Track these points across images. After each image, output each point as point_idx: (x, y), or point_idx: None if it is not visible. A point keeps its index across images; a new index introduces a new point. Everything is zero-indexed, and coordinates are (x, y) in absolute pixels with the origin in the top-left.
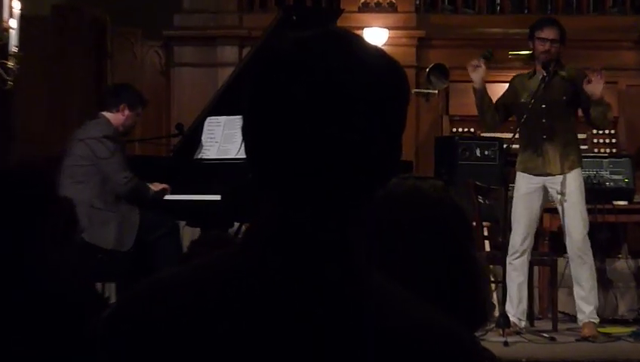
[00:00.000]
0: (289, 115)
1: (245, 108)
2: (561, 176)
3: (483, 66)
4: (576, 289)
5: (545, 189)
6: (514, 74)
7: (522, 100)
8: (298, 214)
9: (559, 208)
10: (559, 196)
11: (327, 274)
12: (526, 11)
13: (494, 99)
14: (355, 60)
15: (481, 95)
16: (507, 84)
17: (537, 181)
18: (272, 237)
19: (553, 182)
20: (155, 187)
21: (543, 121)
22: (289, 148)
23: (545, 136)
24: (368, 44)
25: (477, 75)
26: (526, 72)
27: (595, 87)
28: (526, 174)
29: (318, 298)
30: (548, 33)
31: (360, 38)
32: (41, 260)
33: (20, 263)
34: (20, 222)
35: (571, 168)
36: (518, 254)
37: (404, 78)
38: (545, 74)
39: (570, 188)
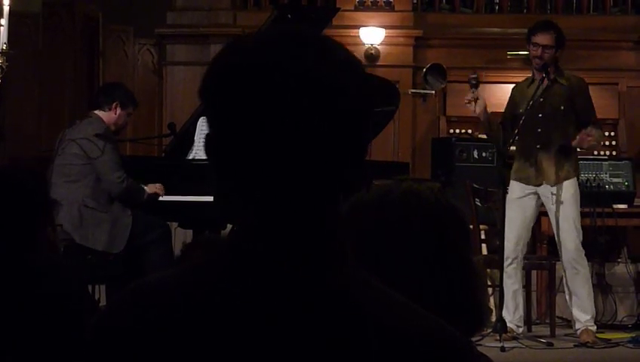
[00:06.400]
0: (252, 118)
1: (207, 116)
2: (555, 187)
3: (480, 97)
4: (573, 299)
5: (538, 196)
6: (512, 74)
7: (520, 110)
8: (274, 217)
9: (552, 218)
10: (553, 206)
11: (315, 275)
12: (525, 11)
13: (493, 100)
14: (319, 59)
15: (488, 124)
16: (505, 85)
17: (531, 189)
18: (252, 241)
19: (546, 192)
20: (150, 188)
21: (539, 130)
22: (254, 152)
23: (539, 146)
24: (329, 43)
25: (479, 108)
26: (524, 78)
27: (582, 143)
28: (520, 183)
29: (306, 298)
30: (541, 39)
31: (322, 37)
32: (38, 262)
33: (17, 265)
34: (16, 224)
35: (566, 178)
36: (509, 261)
37: (363, 72)
38: (543, 75)
39: (564, 198)
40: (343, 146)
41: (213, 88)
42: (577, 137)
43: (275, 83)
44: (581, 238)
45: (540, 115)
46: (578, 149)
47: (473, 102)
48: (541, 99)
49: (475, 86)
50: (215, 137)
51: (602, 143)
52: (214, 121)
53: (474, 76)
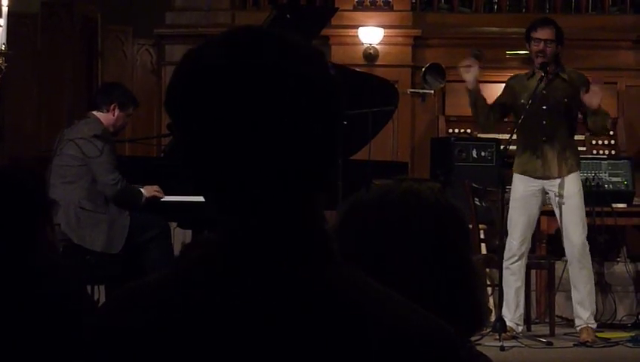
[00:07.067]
0: (246, 119)
1: (176, 119)
2: (560, 179)
3: (476, 66)
4: (574, 294)
5: (543, 192)
6: (511, 74)
7: (522, 101)
8: (269, 216)
9: (557, 211)
10: (558, 199)
11: (314, 275)
12: (524, 10)
13: (492, 100)
14: (283, 56)
15: (475, 96)
16: (504, 84)
17: (536, 184)
18: (250, 241)
19: (552, 185)
20: (148, 192)
21: (544, 122)
22: (244, 154)
23: (544, 138)
24: (291, 41)
25: (470, 76)
26: (524, 72)
27: (593, 98)
28: (524, 177)
29: (305, 298)
30: (542, 33)
31: (281, 35)
32: (38, 262)
33: (17, 265)
34: (16, 224)
35: (570, 171)
36: (515, 258)
37: (326, 66)
38: (543, 74)
39: (570, 192)
40: (329, 146)
41: (198, 94)
42: (589, 91)
43: (274, 83)
44: (586, 232)
45: (545, 108)
46: (579, 148)
47: (468, 69)
48: (544, 92)
49: (477, 57)
50: (198, 145)
51: (601, 142)
52: (199, 127)
53: (478, 52)
